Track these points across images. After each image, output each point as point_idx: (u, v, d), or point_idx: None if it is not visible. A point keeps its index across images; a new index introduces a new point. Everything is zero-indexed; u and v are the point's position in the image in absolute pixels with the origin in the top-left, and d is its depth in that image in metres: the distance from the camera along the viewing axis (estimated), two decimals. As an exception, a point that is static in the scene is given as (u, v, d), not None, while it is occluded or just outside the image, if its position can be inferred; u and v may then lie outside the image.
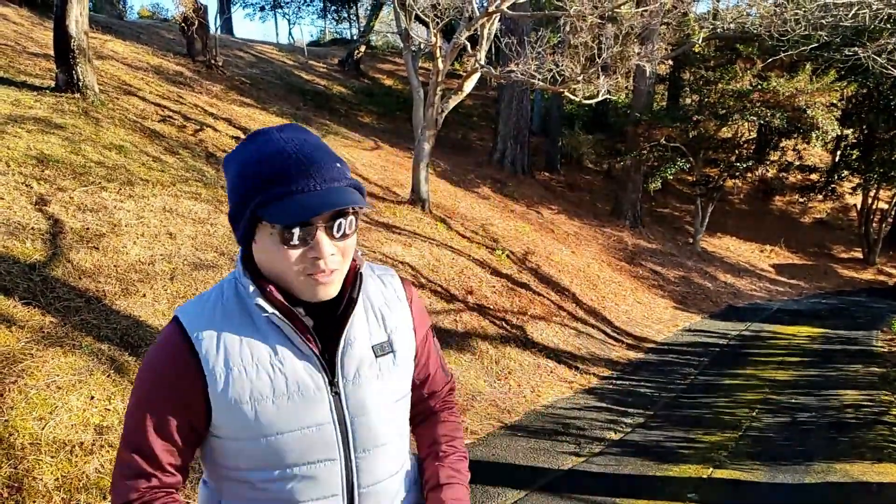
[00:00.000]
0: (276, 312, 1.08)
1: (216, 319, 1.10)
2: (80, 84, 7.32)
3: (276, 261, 1.06)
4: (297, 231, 1.02)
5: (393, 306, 1.25)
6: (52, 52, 7.65)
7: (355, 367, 1.15)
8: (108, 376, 3.53)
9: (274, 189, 1.01)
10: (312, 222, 1.02)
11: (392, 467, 1.22)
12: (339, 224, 1.05)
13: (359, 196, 1.05)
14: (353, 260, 1.15)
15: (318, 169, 1.03)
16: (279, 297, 1.08)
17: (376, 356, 1.18)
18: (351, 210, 1.05)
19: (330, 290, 1.09)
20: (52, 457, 2.95)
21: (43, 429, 3.05)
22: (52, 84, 7.44)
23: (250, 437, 1.08)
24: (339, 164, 1.06)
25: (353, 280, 1.16)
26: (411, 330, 1.26)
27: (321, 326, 1.15)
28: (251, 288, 1.08)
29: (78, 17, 7.09)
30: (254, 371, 1.08)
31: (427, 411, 1.37)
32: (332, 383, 1.12)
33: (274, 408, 1.07)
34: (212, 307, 1.12)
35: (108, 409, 3.33)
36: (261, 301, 1.07)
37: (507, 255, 9.13)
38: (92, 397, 3.35)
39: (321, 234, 1.04)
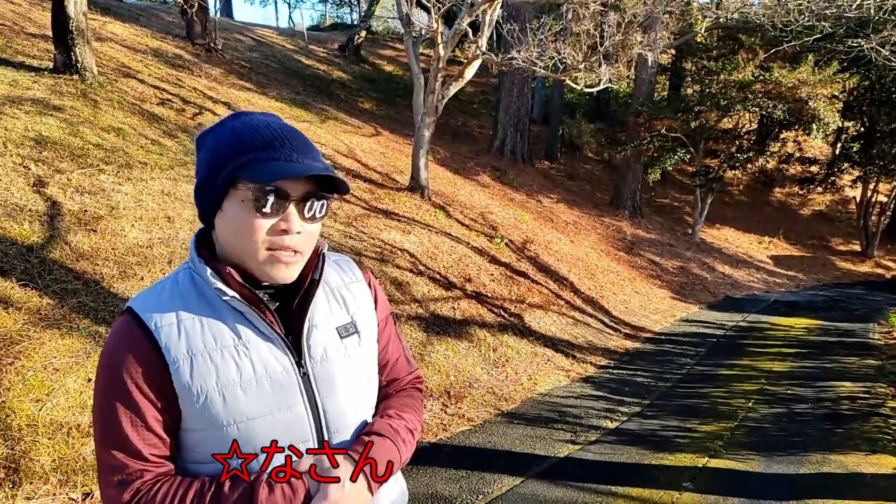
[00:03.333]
0: (237, 296, 1.05)
1: (173, 307, 1.06)
2: (79, 65, 7.26)
3: (243, 231, 1.04)
4: (271, 198, 1.01)
5: (353, 288, 1.25)
6: (50, 33, 7.59)
7: (322, 348, 1.13)
8: (105, 359, 3.52)
9: (257, 153, 1.02)
10: (288, 195, 1.03)
11: None
12: (312, 204, 1.06)
13: (337, 175, 1.07)
14: (316, 244, 1.16)
15: (302, 145, 1.06)
16: (238, 279, 1.06)
17: (341, 337, 1.17)
18: (322, 195, 1.07)
19: (290, 272, 1.08)
20: (48, 438, 2.95)
21: (40, 410, 3.05)
22: (51, 65, 7.38)
23: (215, 426, 1.04)
24: (317, 151, 1.09)
25: (315, 262, 1.16)
26: (373, 311, 1.26)
27: (282, 310, 1.13)
28: (208, 271, 1.06)
29: (76, -3, 7.02)
30: (219, 356, 1.04)
31: (386, 397, 1.31)
32: (300, 364, 1.10)
33: (242, 393, 1.04)
34: (168, 295, 1.08)
35: (106, 392, 3.33)
36: (220, 285, 1.05)
37: (506, 244, 9.12)
38: (89, 380, 3.34)
39: (293, 209, 1.05)
